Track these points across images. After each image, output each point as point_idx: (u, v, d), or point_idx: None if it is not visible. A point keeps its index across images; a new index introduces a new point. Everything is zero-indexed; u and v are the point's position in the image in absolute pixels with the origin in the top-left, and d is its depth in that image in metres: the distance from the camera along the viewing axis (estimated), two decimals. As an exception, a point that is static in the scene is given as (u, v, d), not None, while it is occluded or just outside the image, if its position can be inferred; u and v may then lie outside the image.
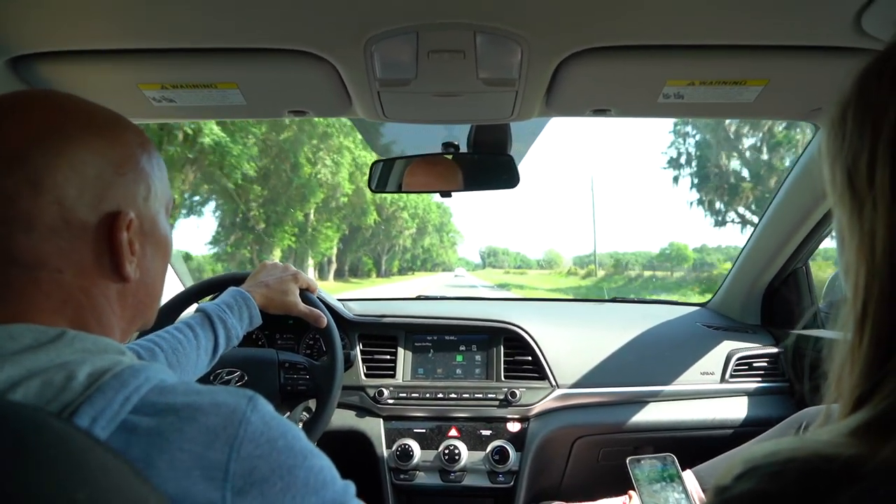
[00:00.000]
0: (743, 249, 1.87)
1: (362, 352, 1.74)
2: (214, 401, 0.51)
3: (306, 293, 1.33)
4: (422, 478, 1.61)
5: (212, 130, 14.92)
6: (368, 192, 29.41)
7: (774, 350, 1.77)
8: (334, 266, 40.68)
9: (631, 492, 1.20)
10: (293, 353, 1.43)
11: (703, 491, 1.21)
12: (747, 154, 24.30)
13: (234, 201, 22.46)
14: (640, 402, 1.68)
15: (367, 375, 1.71)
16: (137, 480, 0.44)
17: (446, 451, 1.59)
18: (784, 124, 18.82)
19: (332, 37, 0.94)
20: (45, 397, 0.47)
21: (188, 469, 0.47)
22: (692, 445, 1.64)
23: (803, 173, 1.52)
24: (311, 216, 28.66)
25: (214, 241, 26.85)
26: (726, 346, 1.77)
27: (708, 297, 2.12)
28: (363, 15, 0.88)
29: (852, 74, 0.47)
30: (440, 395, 1.67)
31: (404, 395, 1.68)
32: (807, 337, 1.68)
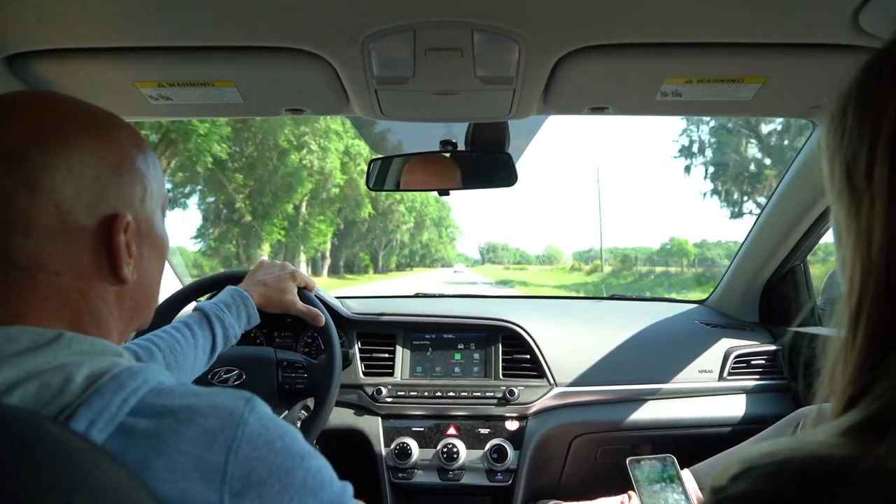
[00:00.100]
0: (741, 246, 1.87)
1: (361, 350, 1.74)
2: (212, 403, 0.51)
3: (304, 291, 1.33)
4: (420, 476, 1.61)
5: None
6: (362, 184, 28.59)
7: (772, 347, 1.77)
8: (328, 262, 39.17)
9: (630, 492, 1.20)
10: (291, 351, 1.42)
11: (701, 490, 1.21)
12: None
13: (212, 190, 21.30)
14: (638, 400, 1.68)
15: (365, 374, 1.71)
16: (134, 484, 0.44)
17: (444, 450, 1.59)
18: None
19: (330, 35, 0.94)
20: (42, 399, 0.47)
21: (186, 471, 0.47)
22: (690, 443, 1.65)
23: (801, 170, 1.52)
24: (303, 209, 27.40)
25: (199, 236, 25.71)
26: (724, 343, 1.77)
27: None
28: (361, 13, 0.88)
29: (852, 71, 0.47)
30: (438, 394, 1.67)
31: (403, 393, 1.68)
32: (804, 334, 1.68)
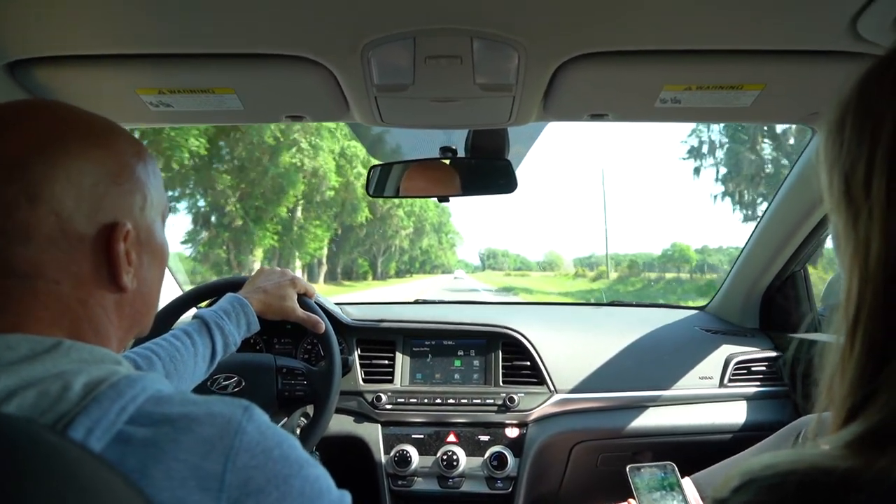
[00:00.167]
0: (741, 252, 1.87)
1: (360, 357, 1.74)
2: (210, 411, 0.51)
3: (304, 298, 1.33)
4: (420, 484, 1.60)
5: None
6: (359, 187, 27.45)
7: (773, 354, 1.77)
8: (325, 268, 37.96)
9: (630, 499, 1.20)
10: (291, 358, 1.42)
11: (702, 499, 1.20)
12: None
13: (200, 193, 20.34)
14: (638, 406, 1.67)
15: (365, 381, 1.71)
16: (132, 493, 0.44)
17: (444, 457, 1.58)
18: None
19: (330, 42, 0.94)
20: (40, 407, 0.47)
21: (184, 479, 0.47)
22: (691, 450, 1.64)
23: (801, 176, 1.52)
24: (299, 214, 26.39)
25: (188, 241, 24.45)
26: (725, 350, 1.77)
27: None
28: (360, 20, 0.88)
29: (851, 79, 0.47)
30: (438, 401, 1.67)
31: (402, 400, 1.67)
32: (805, 341, 1.68)
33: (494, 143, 1.39)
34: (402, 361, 1.73)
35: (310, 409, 1.44)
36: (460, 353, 1.75)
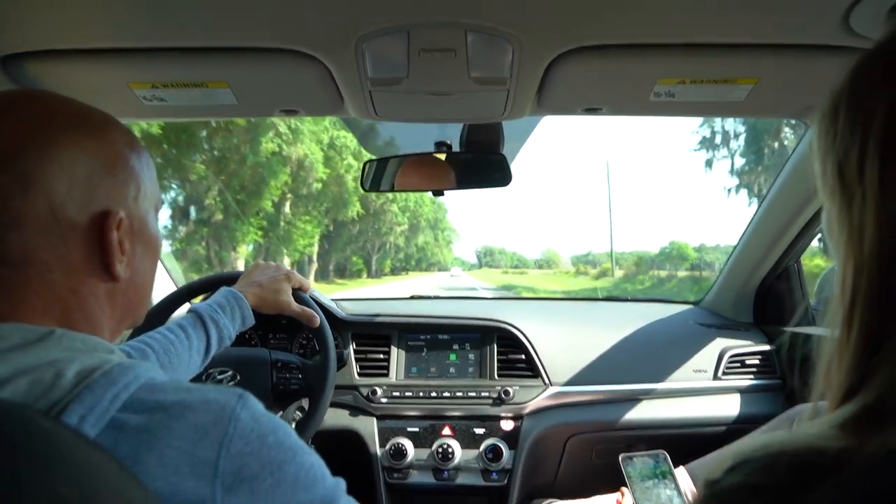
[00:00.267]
0: (735, 247, 1.87)
1: (355, 351, 1.74)
2: (204, 398, 0.52)
3: (299, 292, 1.33)
4: (415, 476, 1.61)
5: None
6: (350, 181, 26.80)
7: (767, 347, 1.78)
8: (315, 266, 34.96)
9: (623, 488, 1.21)
10: (286, 352, 1.42)
11: (696, 487, 1.21)
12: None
13: (176, 185, 18.43)
14: (633, 399, 1.68)
15: (360, 374, 1.71)
16: (125, 477, 0.44)
17: (440, 450, 1.59)
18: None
19: (323, 36, 0.94)
20: (33, 395, 0.47)
21: (177, 466, 0.47)
22: (685, 442, 1.65)
23: (795, 171, 1.52)
24: (287, 208, 24.52)
25: (165, 236, 23.14)
26: (719, 343, 1.77)
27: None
28: (354, 14, 0.88)
29: (843, 72, 0.47)
30: (433, 394, 1.67)
31: (398, 394, 1.68)
32: (798, 334, 1.69)
33: (489, 138, 1.39)
34: (397, 355, 1.74)
35: (305, 403, 1.44)
36: (455, 347, 1.75)
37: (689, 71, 1.04)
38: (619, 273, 44.08)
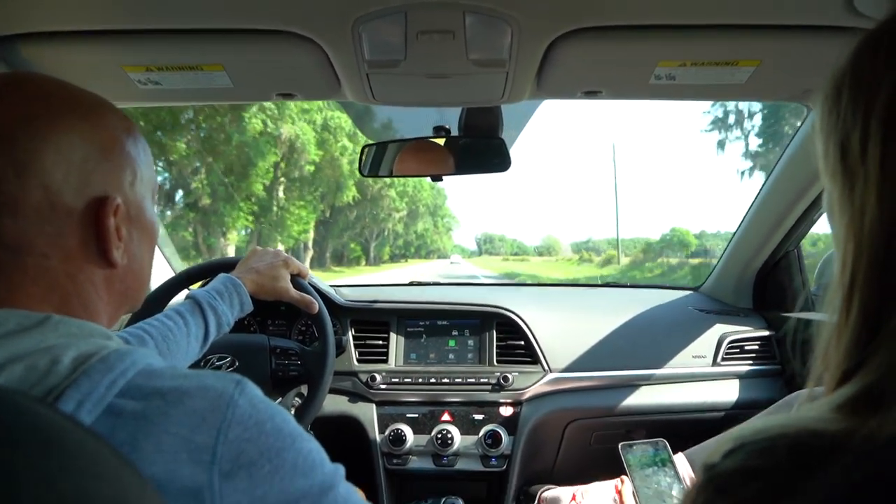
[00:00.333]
0: (735, 232, 1.87)
1: (354, 337, 1.74)
2: (202, 384, 0.51)
3: (297, 279, 1.33)
4: (415, 462, 1.62)
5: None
6: (345, 163, 26.35)
7: (766, 333, 1.78)
8: (311, 253, 33.47)
9: (623, 476, 1.21)
10: (285, 338, 1.42)
11: (695, 473, 1.22)
12: None
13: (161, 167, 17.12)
14: (632, 385, 1.68)
15: (359, 361, 1.71)
16: (121, 464, 0.43)
17: (439, 436, 1.60)
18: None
19: (319, 17, 0.93)
20: (28, 381, 0.47)
21: (175, 452, 0.47)
22: (684, 428, 1.66)
23: (795, 155, 1.51)
24: (280, 192, 23.74)
25: None
26: (718, 329, 1.77)
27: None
28: None
29: (847, 52, 0.47)
30: (433, 380, 1.67)
31: (397, 380, 1.68)
32: (798, 319, 1.69)
33: (488, 122, 1.38)
34: (396, 342, 1.74)
35: (304, 390, 1.44)
36: (454, 333, 1.75)
37: (691, 53, 1.03)
38: (625, 260, 41.95)
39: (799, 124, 1.54)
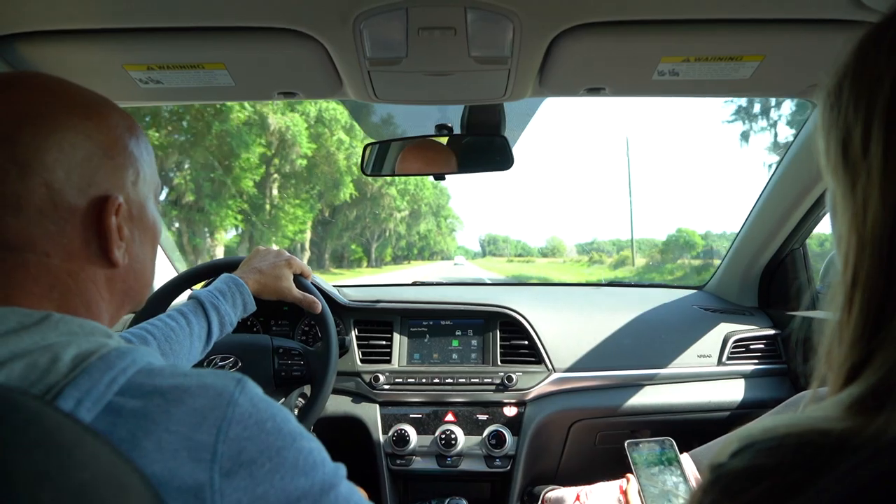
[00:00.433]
0: (740, 231, 1.86)
1: (358, 337, 1.73)
2: (202, 383, 0.51)
3: (300, 279, 1.33)
4: (418, 463, 1.61)
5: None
6: (341, 159, 25.35)
7: (772, 332, 1.77)
8: (308, 254, 31.79)
9: (629, 475, 1.20)
10: (288, 339, 1.42)
11: (700, 473, 1.21)
12: None
13: None
14: (636, 385, 1.67)
15: (362, 361, 1.71)
16: (120, 462, 0.43)
17: (443, 436, 1.59)
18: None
19: (320, 14, 0.92)
20: (28, 379, 0.46)
21: (175, 451, 0.47)
22: (689, 428, 1.65)
23: (800, 153, 1.51)
24: (275, 191, 22.50)
25: None
26: (723, 328, 1.76)
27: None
28: None
29: (850, 45, 0.46)
30: (436, 381, 1.67)
31: (400, 380, 1.67)
32: (804, 318, 1.68)
33: (490, 119, 1.37)
34: (399, 342, 1.73)
35: (307, 390, 1.44)
36: (458, 333, 1.75)
37: (694, 48, 1.02)
38: (640, 261, 40.12)
39: (804, 121, 1.53)
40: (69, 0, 0.89)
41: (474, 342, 1.73)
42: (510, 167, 1.40)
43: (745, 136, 21.76)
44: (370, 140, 1.49)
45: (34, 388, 0.46)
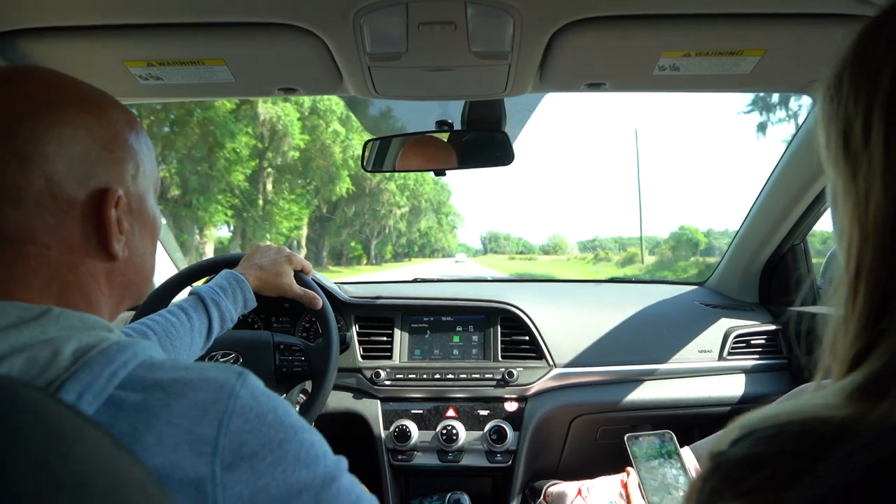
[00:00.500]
0: (741, 226, 1.86)
1: (358, 333, 1.74)
2: (203, 376, 0.51)
3: (301, 275, 1.33)
4: (420, 458, 1.61)
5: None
6: (337, 152, 24.41)
7: (773, 327, 1.77)
8: (304, 252, 29.21)
9: (629, 468, 1.20)
10: (289, 335, 1.42)
11: (701, 465, 1.21)
12: None
13: None
14: (637, 380, 1.68)
15: (363, 357, 1.71)
16: (121, 455, 0.43)
17: (444, 432, 1.59)
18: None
19: (320, 10, 0.92)
20: (29, 373, 0.46)
21: (177, 444, 0.47)
22: (690, 423, 1.65)
23: (801, 148, 1.50)
24: (270, 186, 21.54)
25: None
26: (724, 323, 1.77)
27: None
28: None
29: (848, 39, 0.46)
30: (437, 376, 1.67)
31: (401, 376, 1.67)
32: (805, 313, 1.68)
33: (491, 115, 1.37)
34: (400, 338, 1.73)
35: (308, 386, 1.44)
36: (459, 328, 1.75)
37: (695, 43, 1.02)
38: (650, 259, 38.42)
39: (803, 116, 1.52)
40: None
41: (475, 338, 1.73)
42: (510, 163, 1.40)
43: (761, 128, 21.06)
44: (368, 134, 1.49)
45: (35, 382, 0.46)
